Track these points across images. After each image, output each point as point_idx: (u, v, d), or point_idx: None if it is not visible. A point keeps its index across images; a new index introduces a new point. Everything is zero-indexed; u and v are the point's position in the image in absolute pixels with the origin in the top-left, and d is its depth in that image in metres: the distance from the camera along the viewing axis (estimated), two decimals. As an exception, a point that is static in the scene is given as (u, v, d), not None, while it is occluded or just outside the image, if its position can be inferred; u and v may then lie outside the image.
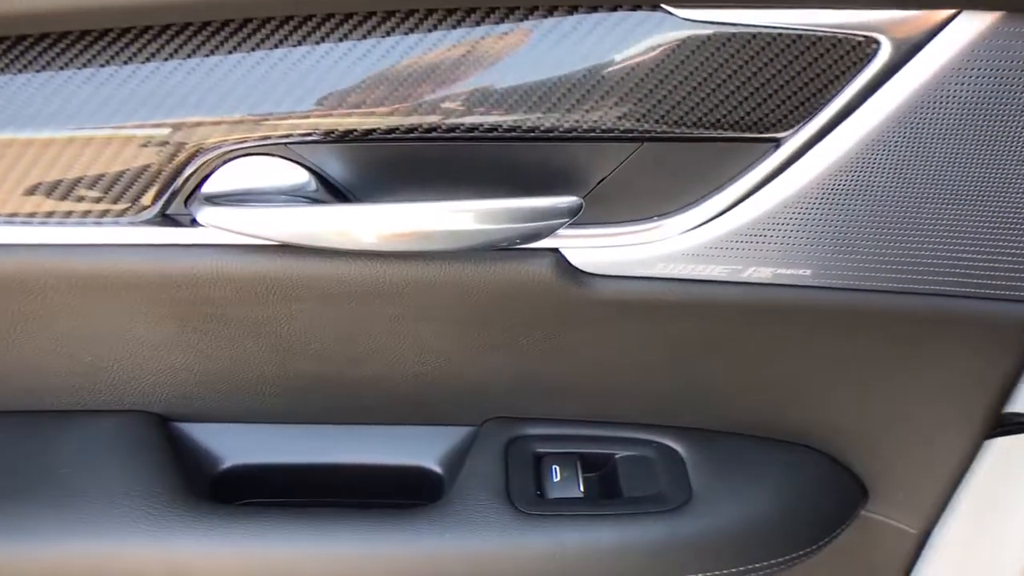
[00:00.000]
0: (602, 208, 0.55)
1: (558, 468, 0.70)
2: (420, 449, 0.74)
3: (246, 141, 0.52)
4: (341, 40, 0.51)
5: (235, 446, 0.73)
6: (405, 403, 0.71)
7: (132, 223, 0.56)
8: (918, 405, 0.67)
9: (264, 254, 0.57)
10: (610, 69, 0.50)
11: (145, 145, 0.53)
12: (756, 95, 0.51)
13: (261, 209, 0.54)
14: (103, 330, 0.63)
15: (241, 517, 0.66)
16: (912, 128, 0.51)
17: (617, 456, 0.72)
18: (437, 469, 0.74)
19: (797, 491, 0.71)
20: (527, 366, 0.66)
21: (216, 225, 0.54)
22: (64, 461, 0.68)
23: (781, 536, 0.70)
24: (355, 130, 0.52)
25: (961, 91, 0.51)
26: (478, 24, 0.50)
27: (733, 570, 0.69)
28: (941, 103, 0.51)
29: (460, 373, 0.67)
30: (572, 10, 0.50)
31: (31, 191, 0.55)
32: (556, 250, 0.57)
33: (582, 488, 0.69)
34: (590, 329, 0.61)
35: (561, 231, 0.54)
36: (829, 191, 0.53)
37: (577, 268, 0.58)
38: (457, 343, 0.64)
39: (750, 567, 0.69)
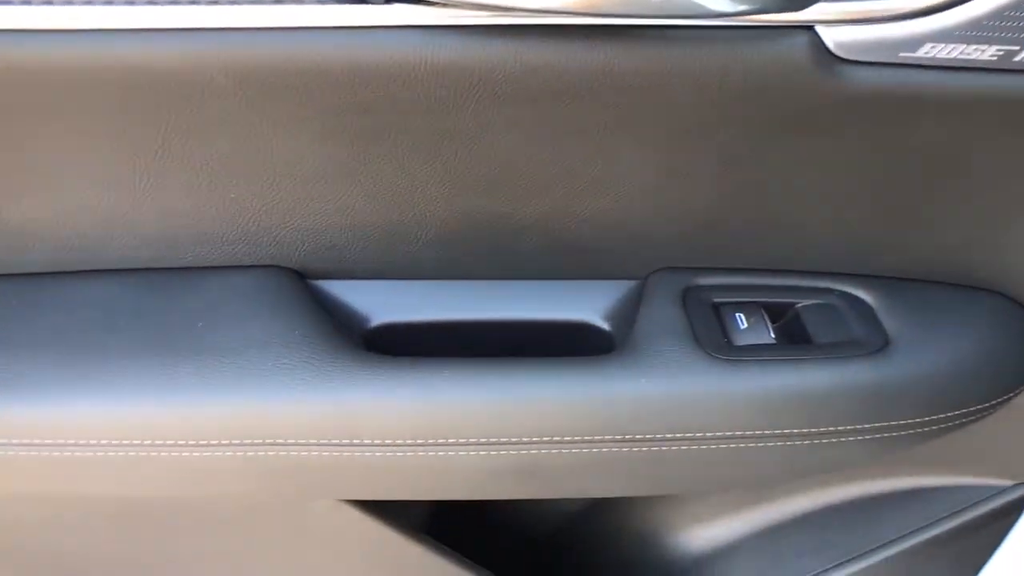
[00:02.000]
0: None
1: (742, 316, 0.64)
2: (582, 303, 0.67)
3: None
4: None
5: (381, 303, 0.66)
6: (566, 252, 0.64)
7: (319, 0, 0.48)
8: None
9: (463, 35, 0.49)
10: None
11: None
12: None
13: None
14: (259, 152, 0.55)
15: (411, 366, 0.59)
16: None
17: (799, 305, 0.66)
18: (604, 325, 0.67)
19: (990, 338, 0.66)
20: (717, 197, 0.60)
21: None
22: (199, 316, 0.60)
23: (977, 383, 0.66)
24: None
25: None
26: None
27: (934, 416, 0.64)
28: None
29: (635, 212, 0.60)
30: None
31: None
32: (811, 27, 0.50)
33: (773, 335, 0.64)
34: (826, 135, 0.54)
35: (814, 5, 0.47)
36: None
37: (832, 52, 0.50)
38: (643, 167, 0.57)
39: (949, 414, 0.65)
